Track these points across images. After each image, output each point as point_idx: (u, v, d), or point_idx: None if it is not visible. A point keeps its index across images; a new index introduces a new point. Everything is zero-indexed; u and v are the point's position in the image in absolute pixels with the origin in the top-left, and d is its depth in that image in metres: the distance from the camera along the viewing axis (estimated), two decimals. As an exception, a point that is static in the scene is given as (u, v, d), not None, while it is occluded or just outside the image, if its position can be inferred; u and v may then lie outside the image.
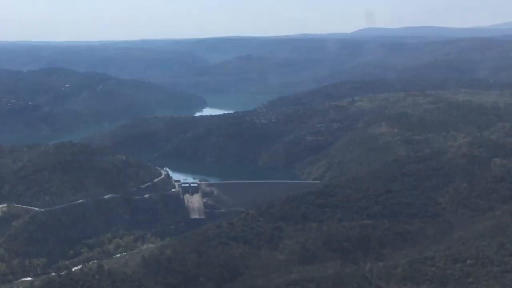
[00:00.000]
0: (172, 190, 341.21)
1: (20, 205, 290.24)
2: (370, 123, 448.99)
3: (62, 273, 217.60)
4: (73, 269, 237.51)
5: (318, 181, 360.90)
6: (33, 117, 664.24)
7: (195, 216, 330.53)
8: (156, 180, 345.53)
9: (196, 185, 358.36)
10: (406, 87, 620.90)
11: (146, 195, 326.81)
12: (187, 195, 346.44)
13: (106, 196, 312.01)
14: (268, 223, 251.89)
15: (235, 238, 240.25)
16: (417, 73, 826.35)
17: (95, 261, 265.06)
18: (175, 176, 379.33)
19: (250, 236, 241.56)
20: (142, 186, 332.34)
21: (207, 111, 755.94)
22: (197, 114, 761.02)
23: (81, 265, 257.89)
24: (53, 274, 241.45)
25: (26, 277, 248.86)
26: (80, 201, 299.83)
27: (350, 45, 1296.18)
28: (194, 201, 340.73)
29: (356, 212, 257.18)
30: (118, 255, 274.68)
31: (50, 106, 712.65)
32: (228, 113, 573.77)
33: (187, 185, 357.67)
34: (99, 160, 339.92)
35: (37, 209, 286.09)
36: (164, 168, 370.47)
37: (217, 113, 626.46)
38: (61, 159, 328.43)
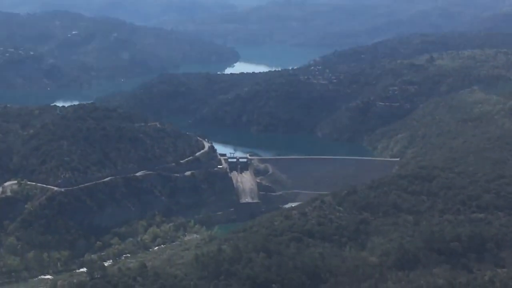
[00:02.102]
0: (218, 166, 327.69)
1: (34, 183, 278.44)
2: (457, 87, 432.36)
3: (96, 274, 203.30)
4: (105, 265, 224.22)
5: (398, 159, 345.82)
6: (35, 70, 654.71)
7: (246, 199, 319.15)
8: (198, 153, 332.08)
9: (245, 160, 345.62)
10: (487, 43, 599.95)
11: (187, 173, 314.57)
12: (234, 173, 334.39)
13: (138, 173, 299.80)
14: (350, 215, 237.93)
15: (311, 233, 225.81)
16: (493, 25, 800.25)
17: (128, 255, 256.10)
18: (217, 148, 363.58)
19: (329, 230, 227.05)
20: (181, 161, 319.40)
21: (241, 66, 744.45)
22: (228, 69, 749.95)
23: (111, 260, 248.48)
24: (80, 271, 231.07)
25: (44, 275, 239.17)
26: (108, 179, 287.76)
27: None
28: (245, 181, 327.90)
29: (463, 203, 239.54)
30: (156, 248, 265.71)
31: (55, 58, 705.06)
32: (276, 71, 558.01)
33: (235, 160, 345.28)
34: (128, 128, 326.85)
35: (55, 188, 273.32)
36: (208, 140, 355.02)
37: (252, 69, 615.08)
38: (82, 126, 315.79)
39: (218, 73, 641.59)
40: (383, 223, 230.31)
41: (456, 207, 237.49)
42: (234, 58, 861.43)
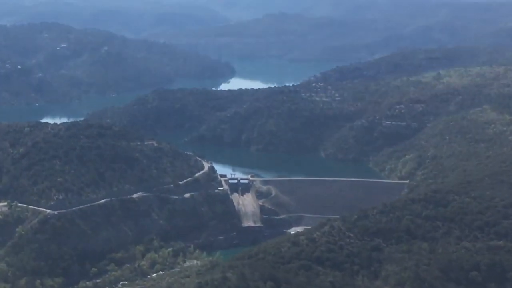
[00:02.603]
0: (219, 188, 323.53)
1: (25, 205, 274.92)
2: (466, 105, 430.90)
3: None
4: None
5: (407, 181, 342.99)
6: (22, 84, 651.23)
7: (249, 223, 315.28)
8: (197, 174, 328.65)
9: (247, 181, 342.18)
10: (495, 59, 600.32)
11: (187, 195, 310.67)
12: (236, 195, 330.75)
13: (135, 195, 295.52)
14: (361, 241, 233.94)
15: (320, 260, 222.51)
16: (499, 40, 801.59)
17: (126, 282, 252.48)
18: (216, 168, 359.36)
19: (340, 258, 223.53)
20: (180, 183, 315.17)
21: (236, 82, 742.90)
22: (224, 85, 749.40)
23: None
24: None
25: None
26: (103, 201, 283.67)
27: (407, 3, 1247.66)
28: (247, 204, 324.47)
29: (480, 229, 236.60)
30: (155, 274, 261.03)
31: (43, 71, 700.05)
32: (276, 87, 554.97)
33: (235, 181, 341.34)
34: (124, 146, 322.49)
35: (48, 210, 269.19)
36: (209, 161, 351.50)
37: (249, 85, 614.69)
38: (75, 144, 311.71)
39: (213, 88, 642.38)
40: (397, 250, 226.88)
41: (474, 233, 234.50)
42: (229, 73, 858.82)
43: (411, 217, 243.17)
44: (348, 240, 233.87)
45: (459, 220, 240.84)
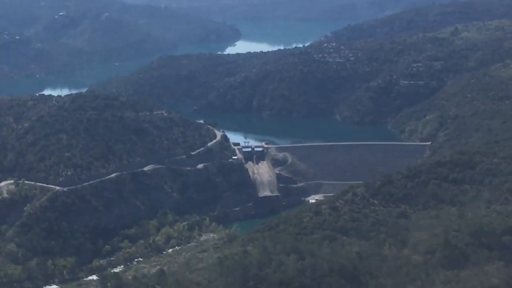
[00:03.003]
0: (233, 157, 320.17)
1: (32, 182, 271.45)
2: (487, 61, 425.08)
3: (109, 283, 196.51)
4: (118, 273, 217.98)
5: (429, 143, 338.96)
6: (22, 56, 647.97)
7: (265, 193, 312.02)
8: (210, 144, 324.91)
9: (261, 149, 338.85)
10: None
11: (199, 166, 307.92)
12: (250, 163, 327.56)
13: (146, 168, 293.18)
14: (386, 208, 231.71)
15: (344, 230, 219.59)
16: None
17: (141, 259, 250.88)
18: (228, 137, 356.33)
19: (365, 227, 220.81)
20: (193, 153, 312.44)
21: (243, 45, 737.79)
22: (230, 48, 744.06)
23: (122, 266, 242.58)
24: (89, 279, 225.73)
25: (50, 284, 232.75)
26: (113, 175, 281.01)
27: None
28: (262, 172, 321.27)
29: (511, 191, 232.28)
30: (171, 250, 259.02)
31: (42, 41, 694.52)
32: (286, 49, 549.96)
33: (249, 149, 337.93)
34: (133, 117, 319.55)
35: (57, 187, 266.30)
36: (221, 129, 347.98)
37: (256, 47, 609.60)
38: (82, 117, 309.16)
39: (219, 53, 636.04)
40: (424, 217, 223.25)
41: (504, 196, 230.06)
42: (235, 36, 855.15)
43: (438, 181, 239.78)
44: (372, 207, 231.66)
45: (488, 183, 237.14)
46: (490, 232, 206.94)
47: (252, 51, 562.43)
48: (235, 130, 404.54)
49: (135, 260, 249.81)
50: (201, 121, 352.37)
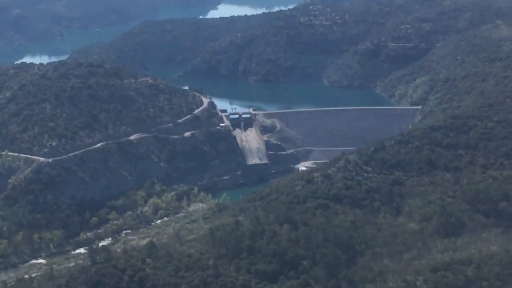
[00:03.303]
0: (220, 125, 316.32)
1: (16, 153, 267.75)
2: (477, 22, 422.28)
3: (98, 257, 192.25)
4: (107, 246, 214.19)
5: (420, 107, 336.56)
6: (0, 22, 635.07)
7: (254, 160, 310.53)
8: (197, 111, 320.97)
9: (249, 116, 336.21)
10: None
11: (187, 134, 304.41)
12: (238, 130, 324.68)
13: (132, 137, 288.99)
14: (380, 175, 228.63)
15: (338, 198, 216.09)
16: None
17: (129, 231, 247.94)
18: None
19: (359, 195, 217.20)
20: (179, 121, 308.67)
21: (226, 9, 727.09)
22: (212, 12, 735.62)
23: (110, 238, 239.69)
24: (77, 252, 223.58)
25: (36, 258, 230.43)
26: (99, 145, 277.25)
27: None
28: (251, 140, 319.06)
29: (507, 156, 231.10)
30: (159, 221, 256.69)
31: (20, 8, 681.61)
32: (271, 12, 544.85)
33: (237, 116, 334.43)
34: (118, 85, 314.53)
35: (41, 158, 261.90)
36: (207, 96, 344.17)
37: (239, 11, 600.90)
38: (65, 85, 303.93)
39: (202, 17, 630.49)
40: (419, 183, 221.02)
41: (500, 160, 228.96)
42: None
43: (432, 146, 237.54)
44: (366, 174, 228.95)
45: (483, 147, 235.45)
46: (486, 199, 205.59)
47: (236, 15, 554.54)
48: (221, 96, 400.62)
49: (123, 232, 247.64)
50: (187, 88, 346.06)
